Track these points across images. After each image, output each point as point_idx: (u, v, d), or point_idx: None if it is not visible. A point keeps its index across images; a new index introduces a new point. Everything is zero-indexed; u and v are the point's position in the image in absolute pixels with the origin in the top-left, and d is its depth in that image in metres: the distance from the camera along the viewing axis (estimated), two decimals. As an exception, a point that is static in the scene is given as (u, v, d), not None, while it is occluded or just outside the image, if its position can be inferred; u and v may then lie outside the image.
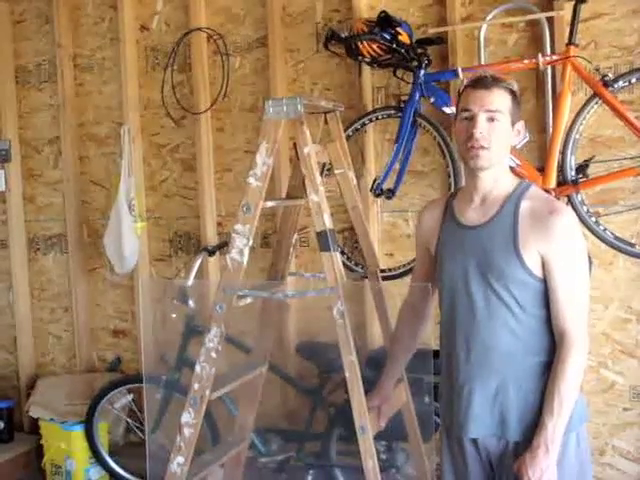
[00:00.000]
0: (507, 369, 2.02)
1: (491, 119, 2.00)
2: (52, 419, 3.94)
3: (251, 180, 2.31)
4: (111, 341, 4.33)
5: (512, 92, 2.03)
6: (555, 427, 1.92)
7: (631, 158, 2.98)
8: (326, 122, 2.59)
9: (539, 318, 2.00)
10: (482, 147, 1.99)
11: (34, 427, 4.15)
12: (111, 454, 3.93)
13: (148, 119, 4.07)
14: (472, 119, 2.00)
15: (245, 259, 2.33)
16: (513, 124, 2.04)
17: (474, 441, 2.09)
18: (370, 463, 2.24)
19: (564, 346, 1.94)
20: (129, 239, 3.85)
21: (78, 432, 3.85)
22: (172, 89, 3.94)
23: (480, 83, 2.02)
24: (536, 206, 2.00)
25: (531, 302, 1.99)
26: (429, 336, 2.49)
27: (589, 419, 3.12)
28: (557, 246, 1.95)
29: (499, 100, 2.00)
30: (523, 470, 1.93)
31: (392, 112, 3.25)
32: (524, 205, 2.01)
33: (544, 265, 1.97)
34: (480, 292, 2.03)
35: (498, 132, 2.00)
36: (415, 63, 3.10)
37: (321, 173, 2.38)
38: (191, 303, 3.42)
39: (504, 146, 2.05)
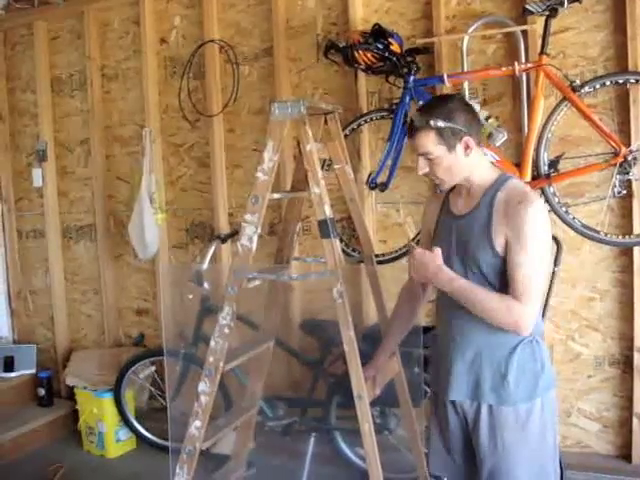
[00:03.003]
0: (481, 342, 2.00)
1: (427, 158, 2.00)
2: (85, 387, 3.92)
3: (259, 175, 2.26)
4: (135, 319, 4.31)
5: (434, 127, 1.95)
6: (459, 282, 1.93)
7: (596, 155, 2.95)
8: (326, 123, 2.55)
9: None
10: (432, 178, 2.05)
11: (70, 394, 4.15)
12: (137, 418, 3.91)
13: (167, 122, 4.03)
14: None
15: (254, 245, 2.28)
16: (453, 147, 1.97)
17: (453, 403, 2.08)
18: (366, 426, 2.21)
19: (518, 303, 1.89)
20: (150, 229, 3.82)
21: (108, 399, 3.85)
22: (188, 95, 3.90)
23: (409, 131, 2.04)
24: (509, 196, 1.95)
25: (500, 281, 1.96)
26: (420, 314, 2.45)
27: (557, 386, 3.15)
28: (518, 231, 1.89)
29: (423, 142, 1.98)
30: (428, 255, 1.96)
31: (385, 114, 3.21)
32: (500, 196, 1.96)
33: (506, 246, 1.92)
34: (461, 274, 1.99)
35: (438, 165, 2.00)
36: (405, 70, 3.05)
37: (322, 168, 2.32)
38: (206, 285, 3.39)
39: (451, 169, 2.00)
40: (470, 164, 2.00)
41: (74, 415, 4.10)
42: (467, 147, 1.98)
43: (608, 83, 2.86)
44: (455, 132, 1.95)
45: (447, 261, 2.02)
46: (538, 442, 2.00)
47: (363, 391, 2.20)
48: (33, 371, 4.39)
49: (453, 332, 2.06)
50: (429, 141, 1.96)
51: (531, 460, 2.00)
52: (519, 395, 1.97)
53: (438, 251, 1.97)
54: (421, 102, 3.05)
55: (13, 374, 4.34)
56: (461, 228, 2.03)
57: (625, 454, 3.14)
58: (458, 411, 2.09)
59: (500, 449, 1.99)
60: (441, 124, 1.94)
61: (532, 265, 1.89)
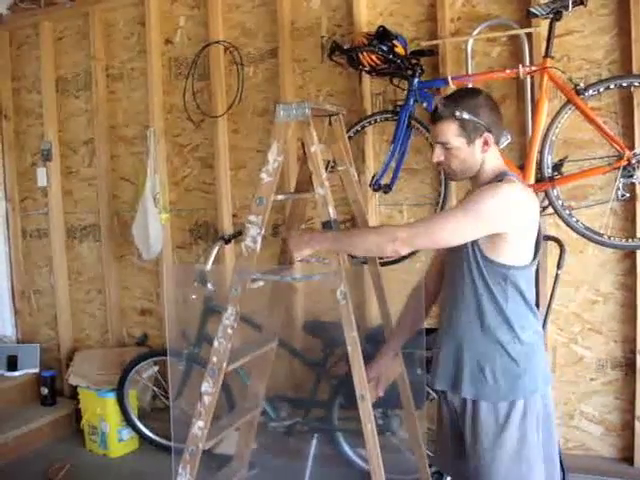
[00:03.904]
0: (466, 334, 2.04)
1: (444, 147, 2.01)
2: (88, 387, 3.93)
3: (263, 176, 2.26)
4: (139, 319, 4.32)
5: (458, 118, 1.97)
6: (334, 236, 2.11)
7: (600, 158, 2.94)
8: (330, 124, 2.55)
9: (493, 296, 1.99)
10: (445, 167, 2.06)
11: (73, 393, 4.16)
12: (140, 418, 3.92)
13: (171, 122, 4.03)
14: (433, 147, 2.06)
15: (258, 246, 2.29)
16: (472, 141, 2.00)
17: (445, 397, 2.13)
18: (369, 427, 2.21)
19: (397, 225, 2.00)
20: (154, 229, 3.83)
21: (111, 398, 3.86)
22: (193, 95, 3.90)
23: (432, 117, 2.05)
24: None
25: (492, 278, 1.98)
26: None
27: (559, 389, 3.15)
28: (468, 198, 1.97)
29: (444, 131, 2.00)
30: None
31: (389, 116, 3.21)
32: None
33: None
34: (453, 271, 2.06)
35: (453, 156, 2.02)
36: (410, 72, 3.05)
37: (326, 169, 2.33)
38: (209, 286, 3.40)
39: (466, 162, 2.03)
40: (484, 161, 2.03)
41: (77, 414, 4.11)
42: (486, 143, 2.01)
43: (612, 86, 2.85)
44: (477, 127, 1.98)
45: (446, 257, 2.10)
46: (515, 449, 1.97)
47: (366, 392, 2.20)
48: (36, 370, 4.40)
49: (445, 326, 2.11)
50: (450, 131, 1.98)
51: (511, 467, 1.98)
52: (498, 393, 1.98)
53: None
54: (425, 104, 3.06)
55: (17, 373, 4.36)
56: None
57: (628, 457, 3.14)
58: (449, 404, 2.12)
59: (480, 449, 2.00)
60: (466, 116, 1.96)
61: (447, 213, 1.99)
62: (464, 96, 2.04)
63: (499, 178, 2.01)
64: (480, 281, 1.99)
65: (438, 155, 2.04)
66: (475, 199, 1.92)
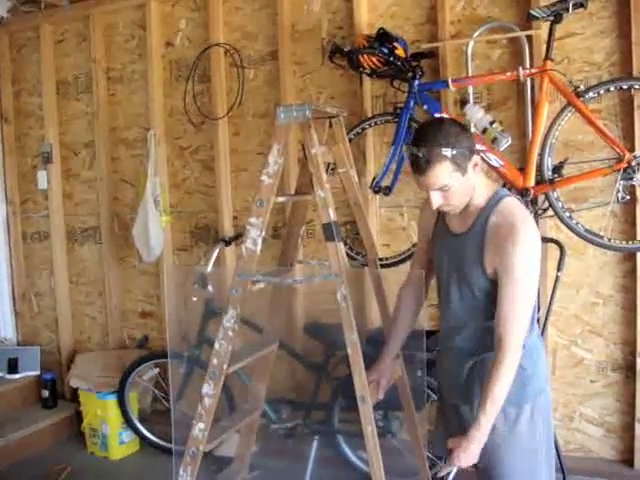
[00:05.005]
0: (479, 350, 2.04)
1: (442, 190, 1.96)
2: (89, 389, 3.93)
3: (264, 178, 2.27)
4: (139, 321, 4.32)
5: (448, 156, 1.90)
6: (487, 422, 1.93)
7: (600, 160, 2.95)
8: (331, 126, 2.56)
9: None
10: (445, 207, 2.01)
11: (74, 396, 4.16)
12: (140, 420, 3.93)
13: (172, 124, 4.04)
14: (428, 194, 1.99)
15: (258, 248, 2.29)
16: (465, 170, 1.95)
17: (455, 405, 2.14)
18: (369, 429, 2.22)
19: (500, 351, 1.91)
20: (155, 231, 3.84)
21: (112, 401, 3.86)
22: (193, 98, 3.91)
23: (416, 169, 1.95)
24: (500, 223, 1.95)
25: (492, 302, 1.98)
26: (423, 318, 2.46)
27: (560, 391, 3.16)
28: (506, 266, 1.91)
29: (439, 175, 1.92)
30: (456, 452, 1.97)
31: (389, 118, 3.21)
32: (492, 220, 1.97)
33: (495, 274, 1.96)
34: (455, 291, 2.06)
35: (453, 193, 1.97)
36: (410, 74, 3.05)
37: (326, 172, 2.33)
38: (210, 288, 3.41)
39: (465, 192, 1.99)
40: (475, 181, 2.01)
41: (78, 417, 4.11)
42: (475, 164, 1.98)
43: (612, 89, 2.86)
44: (464, 155, 1.93)
45: (445, 276, 2.10)
46: (527, 443, 2.03)
47: (366, 394, 2.21)
48: (37, 373, 4.40)
49: (452, 341, 2.11)
50: (445, 172, 1.91)
51: (520, 462, 2.03)
52: (509, 399, 1.97)
53: (467, 442, 1.96)
54: (425, 107, 3.07)
55: (17, 376, 4.35)
56: (455, 248, 2.06)
57: (628, 459, 3.14)
58: (459, 414, 2.13)
59: (490, 450, 2.00)
60: (454, 151, 1.91)
61: (517, 298, 1.92)
62: (437, 132, 1.93)
63: (494, 201, 2.00)
64: (494, 307, 1.97)
65: (438, 201, 1.98)
66: (519, 268, 1.90)
